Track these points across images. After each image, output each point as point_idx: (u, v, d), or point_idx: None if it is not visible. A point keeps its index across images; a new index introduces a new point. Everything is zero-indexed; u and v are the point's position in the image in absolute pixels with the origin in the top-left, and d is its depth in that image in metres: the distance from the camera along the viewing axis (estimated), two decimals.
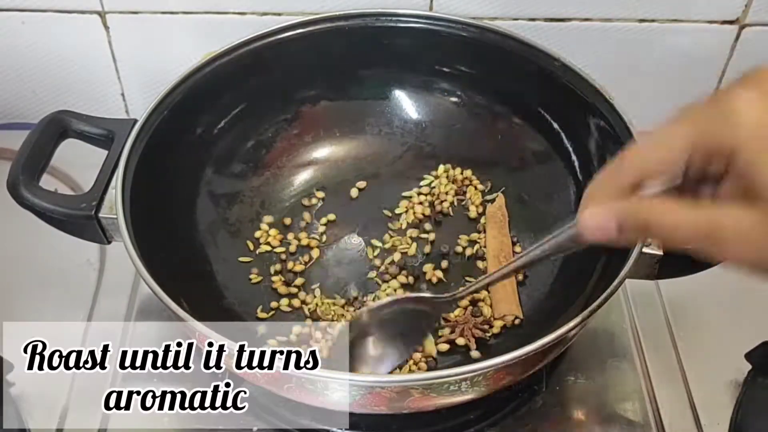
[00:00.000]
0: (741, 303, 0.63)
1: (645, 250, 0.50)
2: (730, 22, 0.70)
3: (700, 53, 0.72)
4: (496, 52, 0.62)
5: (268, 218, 0.64)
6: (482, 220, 0.64)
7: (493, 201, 0.65)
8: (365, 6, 0.65)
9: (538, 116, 0.64)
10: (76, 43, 0.72)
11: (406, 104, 0.68)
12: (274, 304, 0.59)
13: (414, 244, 0.63)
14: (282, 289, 0.60)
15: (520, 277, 0.61)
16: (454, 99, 0.67)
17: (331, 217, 0.65)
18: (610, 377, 0.58)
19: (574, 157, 0.62)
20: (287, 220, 0.65)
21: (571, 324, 0.46)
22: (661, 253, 0.51)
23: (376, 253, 0.63)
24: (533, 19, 0.70)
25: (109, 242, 0.55)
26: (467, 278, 0.61)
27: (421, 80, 0.67)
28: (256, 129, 0.66)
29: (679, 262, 0.52)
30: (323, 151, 0.68)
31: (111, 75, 0.74)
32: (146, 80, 0.74)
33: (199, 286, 0.57)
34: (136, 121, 0.56)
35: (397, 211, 0.65)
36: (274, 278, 0.61)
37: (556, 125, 0.63)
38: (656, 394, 0.58)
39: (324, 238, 0.64)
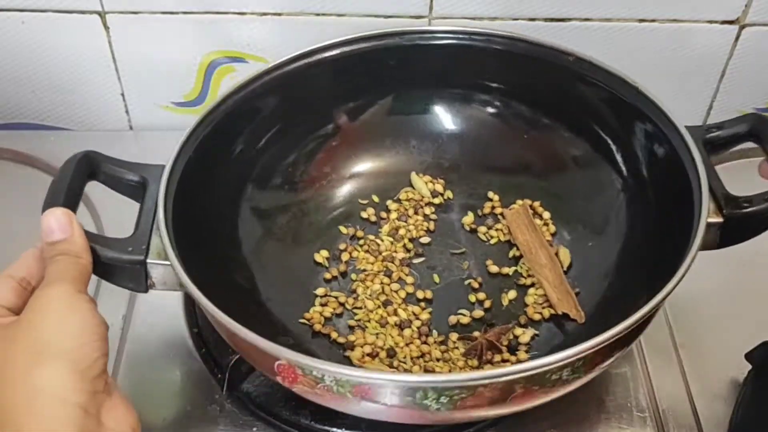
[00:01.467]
0: (741, 303, 0.63)
1: (710, 219, 0.50)
2: (730, 22, 0.70)
3: (700, 53, 0.72)
4: (530, 62, 0.62)
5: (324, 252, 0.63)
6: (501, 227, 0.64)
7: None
8: (362, 8, 0.66)
9: (580, 122, 0.63)
10: (76, 43, 0.72)
11: (445, 118, 0.67)
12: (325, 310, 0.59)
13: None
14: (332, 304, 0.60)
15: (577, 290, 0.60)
16: (492, 110, 0.66)
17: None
18: (610, 377, 0.58)
19: (620, 159, 0.61)
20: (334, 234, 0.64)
21: (664, 292, 0.46)
22: (721, 220, 0.51)
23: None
24: (533, 19, 0.70)
25: (147, 290, 0.51)
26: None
27: (458, 94, 0.66)
28: (296, 145, 0.65)
29: (739, 227, 0.52)
30: (365, 165, 0.67)
31: (111, 75, 0.74)
32: (146, 80, 0.74)
33: (250, 312, 0.56)
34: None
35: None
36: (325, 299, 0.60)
37: (599, 129, 0.62)
38: (656, 394, 0.58)
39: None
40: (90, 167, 0.52)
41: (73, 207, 0.49)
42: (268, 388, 0.56)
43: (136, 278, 0.50)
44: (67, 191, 0.49)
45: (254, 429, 0.55)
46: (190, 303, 0.62)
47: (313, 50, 0.62)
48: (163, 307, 0.62)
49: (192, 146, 0.55)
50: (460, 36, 0.63)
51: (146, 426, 0.55)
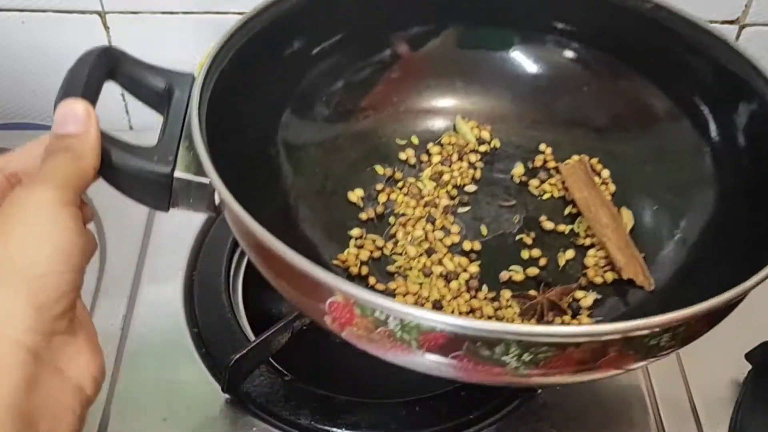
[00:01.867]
0: (741, 303, 0.63)
1: None
2: (730, 22, 0.70)
3: None
4: (608, 6, 0.57)
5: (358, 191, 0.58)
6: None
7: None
8: None
9: (663, 75, 0.57)
10: (76, 43, 0.71)
11: (517, 58, 0.61)
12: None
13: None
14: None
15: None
16: (570, 54, 0.60)
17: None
18: (610, 377, 0.58)
19: (709, 119, 0.55)
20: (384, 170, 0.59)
21: None
22: None
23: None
24: None
25: (168, 209, 0.45)
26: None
27: (532, 34, 0.61)
28: (348, 68, 0.59)
29: None
30: (406, 104, 0.62)
31: None
32: None
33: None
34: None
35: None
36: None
37: (684, 85, 0.56)
38: (656, 394, 0.58)
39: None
40: (110, 64, 0.46)
41: (92, 102, 0.43)
42: (267, 388, 0.56)
43: (159, 193, 0.44)
44: (86, 85, 0.43)
45: (254, 429, 0.55)
46: (190, 303, 0.62)
47: None
48: (163, 307, 0.62)
49: (227, 55, 0.49)
50: None
51: (146, 426, 0.55)
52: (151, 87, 0.47)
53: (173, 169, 0.43)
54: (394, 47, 0.60)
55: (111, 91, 0.75)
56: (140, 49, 0.72)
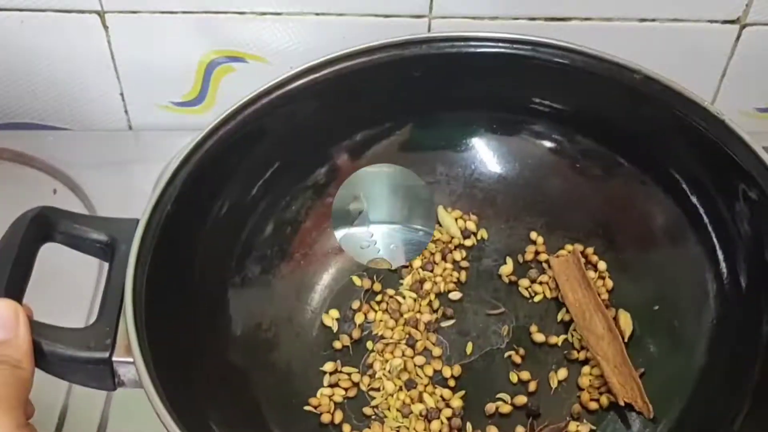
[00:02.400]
0: None
1: None
2: (731, 22, 0.70)
3: (701, 53, 0.72)
4: (591, 81, 0.51)
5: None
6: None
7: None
8: (362, 8, 0.65)
9: (665, 176, 0.52)
10: (76, 43, 0.71)
11: (487, 154, 0.57)
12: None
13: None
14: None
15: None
16: (550, 144, 0.56)
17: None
18: None
19: (714, 238, 0.50)
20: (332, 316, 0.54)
21: None
22: None
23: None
24: (533, 19, 0.70)
25: (115, 389, 0.42)
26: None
27: (507, 122, 0.55)
28: (278, 203, 0.54)
29: None
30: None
31: (110, 75, 0.74)
32: (145, 80, 0.74)
33: (244, 403, 0.49)
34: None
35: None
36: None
37: (688, 190, 0.51)
38: None
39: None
40: (44, 229, 0.44)
41: (20, 290, 0.41)
42: None
43: (99, 377, 0.41)
44: (12, 270, 0.41)
45: None
46: None
47: (307, 69, 0.51)
48: None
49: (171, 197, 0.46)
50: (501, 45, 0.52)
51: (146, 426, 0.55)
52: (92, 242, 0.45)
53: (111, 354, 0.40)
54: (334, 161, 0.55)
55: (110, 91, 0.75)
56: (139, 48, 0.72)
